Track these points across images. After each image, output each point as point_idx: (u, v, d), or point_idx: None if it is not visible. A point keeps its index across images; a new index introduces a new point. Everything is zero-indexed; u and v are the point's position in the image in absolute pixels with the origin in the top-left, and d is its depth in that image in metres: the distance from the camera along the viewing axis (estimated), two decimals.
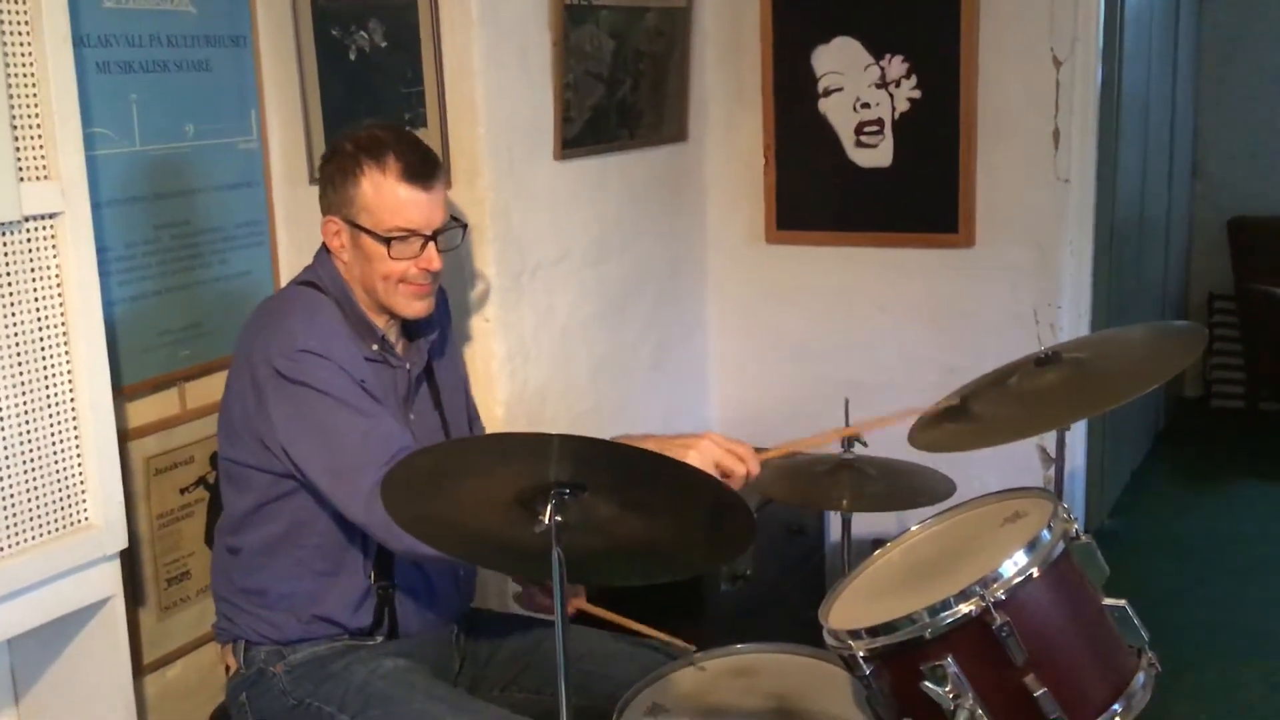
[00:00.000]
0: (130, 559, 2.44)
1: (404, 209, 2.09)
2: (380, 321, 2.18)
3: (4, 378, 2.02)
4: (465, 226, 2.28)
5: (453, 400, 2.34)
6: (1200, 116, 5.92)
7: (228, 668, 2.25)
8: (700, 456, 1.92)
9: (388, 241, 2.09)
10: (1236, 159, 5.91)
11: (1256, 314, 5.57)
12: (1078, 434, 3.59)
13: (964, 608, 1.70)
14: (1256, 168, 5.88)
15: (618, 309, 3.24)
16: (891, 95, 3.37)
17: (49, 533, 2.10)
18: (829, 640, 1.84)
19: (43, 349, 2.07)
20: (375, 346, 2.16)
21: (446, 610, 2.27)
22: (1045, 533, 1.78)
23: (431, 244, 2.12)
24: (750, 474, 1.97)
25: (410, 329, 2.25)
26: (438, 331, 2.29)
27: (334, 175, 2.12)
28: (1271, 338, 5.52)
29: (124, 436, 2.41)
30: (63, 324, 2.10)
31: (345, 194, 2.11)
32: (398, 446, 1.99)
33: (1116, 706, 1.74)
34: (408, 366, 2.22)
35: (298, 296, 2.16)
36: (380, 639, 2.19)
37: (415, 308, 2.16)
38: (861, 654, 1.77)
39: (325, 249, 2.19)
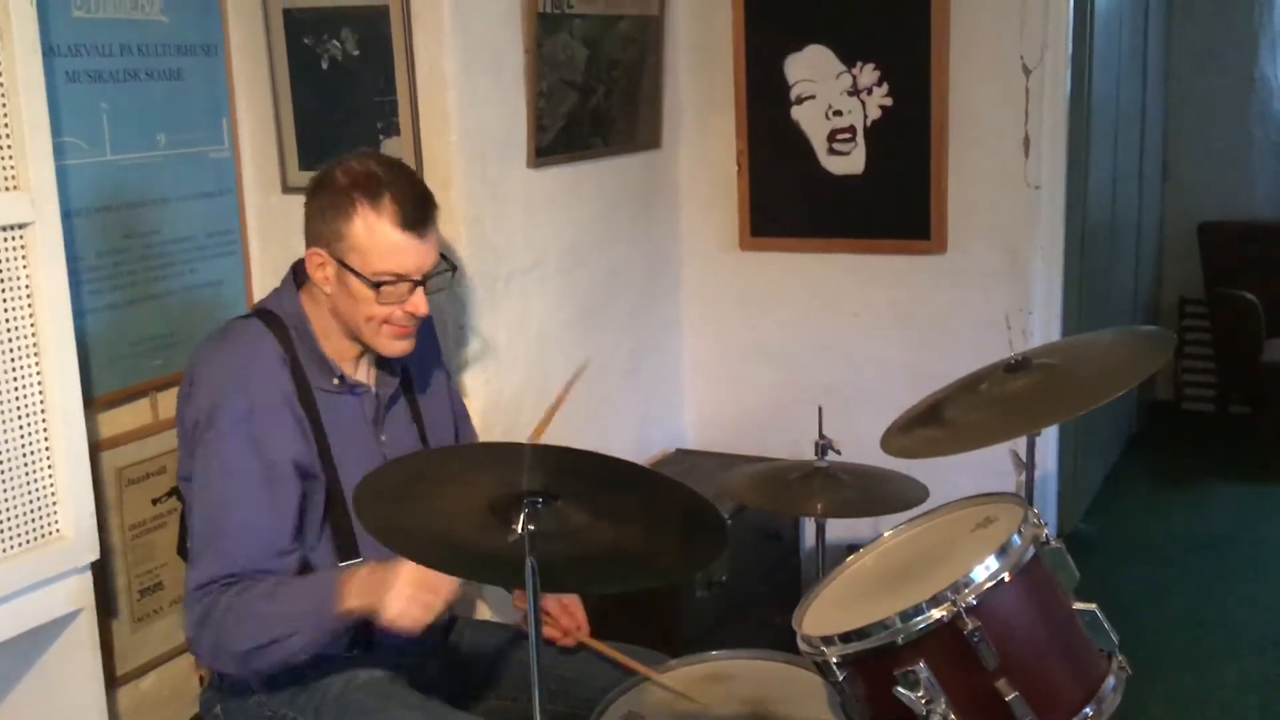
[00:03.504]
0: (102, 570, 2.42)
1: (396, 254, 2.02)
2: (350, 354, 2.14)
3: None
4: (454, 269, 2.23)
5: (434, 411, 2.32)
6: (1170, 122, 5.97)
7: (201, 678, 2.23)
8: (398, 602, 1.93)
9: (376, 286, 2.03)
10: (1206, 164, 5.96)
11: (1227, 317, 5.61)
12: (1050, 438, 3.61)
13: (936, 613, 1.72)
14: (1226, 173, 5.93)
15: (592, 316, 3.25)
16: (863, 103, 3.38)
17: (19, 545, 2.09)
18: (803, 646, 1.85)
19: (13, 359, 2.06)
20: (336, 380, 2.13)
21: None
22: (1015, 538, 1.79)
23: (419, 288, 2.06)
24: (449, 600, 1.98)
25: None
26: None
27: (326, 208, 2.04)
28: (1242, 341, 5.56)
29: (95, 447, 2.40)
30: (33, 334, 2.09)
31: (335, 229, 2.03)
32: (256, 550, 1.98)
33: (1088, 710, 1.76)
34: (375, 391, 2.19)
35: (242, 337, 2.09)
36: (357, 653, 2.16)
37: (397, 348, 2.11)
38: (835, 660, 1.78)
39: (292, 277, 2.15)
